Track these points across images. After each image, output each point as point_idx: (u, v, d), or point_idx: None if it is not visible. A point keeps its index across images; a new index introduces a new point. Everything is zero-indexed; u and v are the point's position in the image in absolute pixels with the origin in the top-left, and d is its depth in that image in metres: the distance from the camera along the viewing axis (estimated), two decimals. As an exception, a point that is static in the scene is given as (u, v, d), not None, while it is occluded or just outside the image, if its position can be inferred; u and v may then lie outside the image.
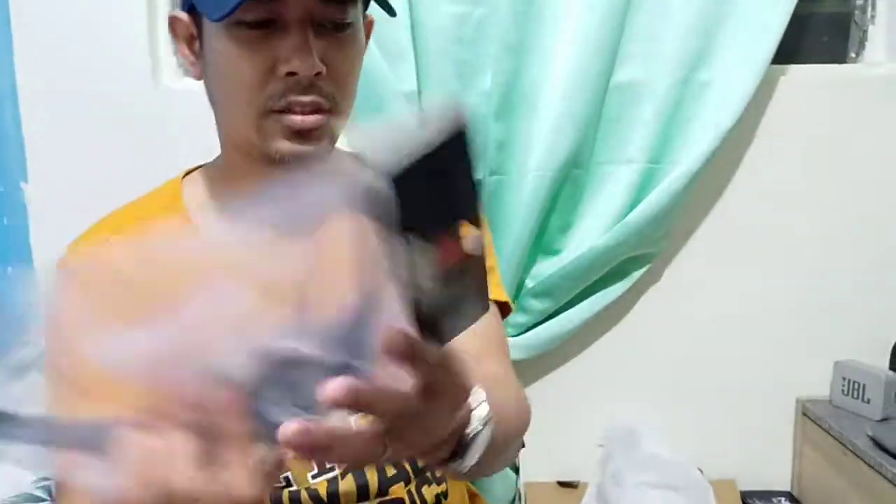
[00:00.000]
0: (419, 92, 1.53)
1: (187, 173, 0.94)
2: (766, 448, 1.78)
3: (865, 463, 1.49)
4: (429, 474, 0.96)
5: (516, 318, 1.65)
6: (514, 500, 1.48)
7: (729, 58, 1.57)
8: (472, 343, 0.65)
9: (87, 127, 1.60)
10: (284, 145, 0.80)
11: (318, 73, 0.78)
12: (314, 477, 0.89)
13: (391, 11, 0.83)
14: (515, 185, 1.56)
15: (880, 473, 1.45)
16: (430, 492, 0.95)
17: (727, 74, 1.57)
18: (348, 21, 0.81)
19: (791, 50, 1.68)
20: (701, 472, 1.62)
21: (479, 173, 1.56)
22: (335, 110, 0.81)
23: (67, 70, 1.58)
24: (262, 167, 0.83)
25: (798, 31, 1.70)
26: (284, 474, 0.88)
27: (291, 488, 0.88)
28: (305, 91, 0.79)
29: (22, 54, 1.58)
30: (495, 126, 1.53)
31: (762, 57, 1.55)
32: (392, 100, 1.49)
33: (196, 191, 0.90)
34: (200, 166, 0.95)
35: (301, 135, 0.80)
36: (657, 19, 1.56)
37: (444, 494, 0.98)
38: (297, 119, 0.79)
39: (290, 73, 0.78)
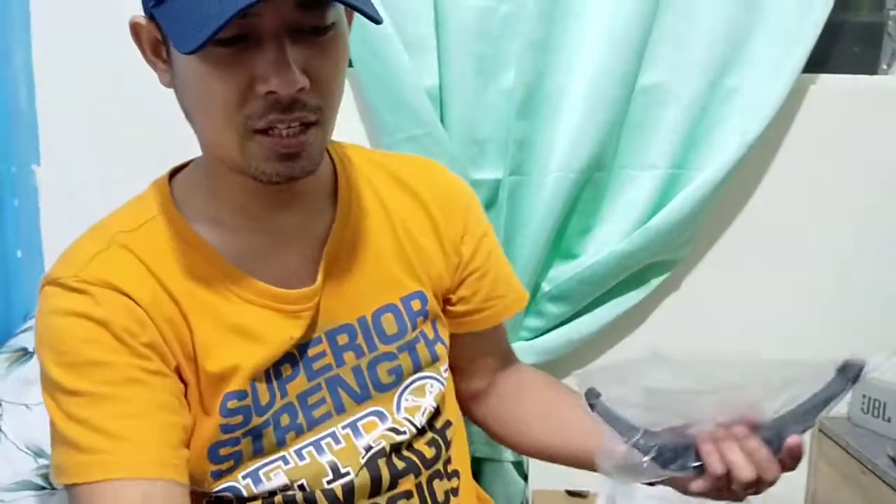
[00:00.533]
0: (440, 86, 1.50)
1: (173, 174, 0.89)
2: (780, 464, 1.75)
3: (885, 483, 1.46)
4: (441, 469, 0.94)
5: (531, 321, 1.62)
6: (522, 507, 1.45)
7: (758, 64, 1.54)
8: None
9: (102, 111, 1.57)
10: (271, 167, 0.75)
11: (301, 89, 0.72)
12: (329, 482, 0.86)
13: (376, 20, 0.72)
14: (535, 185, 1.53)
15: (900, 495, 1.42)
16: (440, 486, 0.94)
17: (756, 81, 1.53)
18: (329, 23, 0.74)
19: (821, 59, 1.65)
20: (713, 486, 1.59)
21: (499, 173, 1.53)
22: (322, 120, 0.76)
23: (84, 54, 1.55)
24: (248, 181, 0.79)
25: (829, 41, 1.66)
26: (299, 482, 0.85)
27: (305, 492, 0.86)
28: (288, 109, 0.72)
29: (39, 36, 1.55)
30: (517, 125, 1.50)
31: (792, 65, 1.51)
32: (412, 93, 1.46)
33: (188, 195, 0.86)
34: (187, 164, 0.90)
35: (288, 156, 0.75)
36: (685, 22, 1.52)
37: (455, 491, 0.96)
38: (283, 143, 0.74)
39: (270, 92, 0.71)
